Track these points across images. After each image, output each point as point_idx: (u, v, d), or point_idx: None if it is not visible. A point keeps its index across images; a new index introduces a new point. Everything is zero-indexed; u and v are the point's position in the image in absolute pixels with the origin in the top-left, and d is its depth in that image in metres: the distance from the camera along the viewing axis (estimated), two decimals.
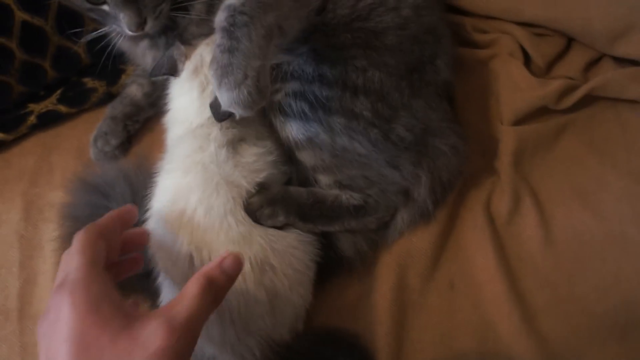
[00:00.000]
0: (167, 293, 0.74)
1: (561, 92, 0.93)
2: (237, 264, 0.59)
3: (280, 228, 0.75)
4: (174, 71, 0.82)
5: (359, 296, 0.81)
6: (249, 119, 0.75)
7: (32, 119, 0.90)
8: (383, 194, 0.79)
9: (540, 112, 0.94)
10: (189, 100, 0.78)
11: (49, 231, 0.85)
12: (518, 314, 0.80)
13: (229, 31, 0.65)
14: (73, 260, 0.57)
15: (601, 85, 0.94)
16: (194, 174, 0.73)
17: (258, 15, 0.65)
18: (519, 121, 0.92)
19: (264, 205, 0.73)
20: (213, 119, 0.75)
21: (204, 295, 0.56)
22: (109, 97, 0.95)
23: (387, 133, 0.76)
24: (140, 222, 0.73)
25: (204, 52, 0.82)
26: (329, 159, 0.77)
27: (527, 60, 1.00)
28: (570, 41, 1.02)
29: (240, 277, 0.61)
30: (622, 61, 0.99)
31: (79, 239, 0.59)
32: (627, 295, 0.83)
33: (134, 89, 0.94)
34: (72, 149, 0.92)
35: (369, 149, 0.76)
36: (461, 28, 1.02)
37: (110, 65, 0.85)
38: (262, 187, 0.75)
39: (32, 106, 0.91)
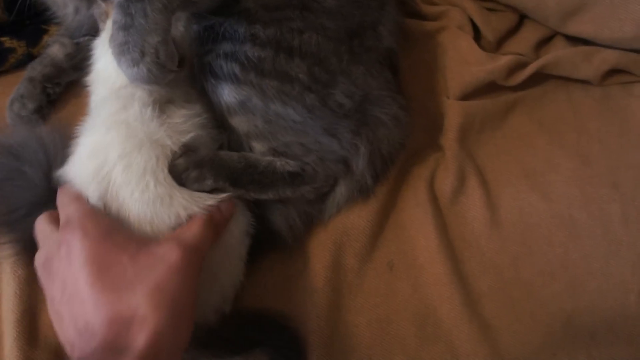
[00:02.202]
0: None
1: (511, 68, 0.90)
2: (232, 207, 0.68)
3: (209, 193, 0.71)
4: (94, 30, 0.77)
5: (290, 276, 0.75)
6: (176, 81, 0.70)
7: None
8: (321, 162, 0.73)
9: (489, 88, 0.90)
10: (112, 60, 0.73)
11: None
12: (460, 297, 0.76)
13: (124, 6, 0.62)
14: (72, 204, 0.63)
15: (552, 62, 0.91)
16: (116, 132, 0.68)
17: None
18: (467, 96, 0.88)
19: (190, 167, 0.67)
20: None
21: (207, 227, 0.64)
22: (29, 59, 0.86)
23: (324, 99, 0.70)
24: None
25: None
26: (262, 125, 0.71)
27: (477, 35, 0.96)
28: (522, 18, 0.99)
29: None
30: (574, 40, 0.96)
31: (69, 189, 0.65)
32: (574, 280, 0.80)
33: (55, 49, 0.86)
34: None
35: (304, 115, 0.70)
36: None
37: (30, 23, 0.79)
38: (188, 149, 0.68)
39: None
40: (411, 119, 0.79)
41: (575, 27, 0.94)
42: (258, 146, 0.74)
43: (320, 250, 0.77)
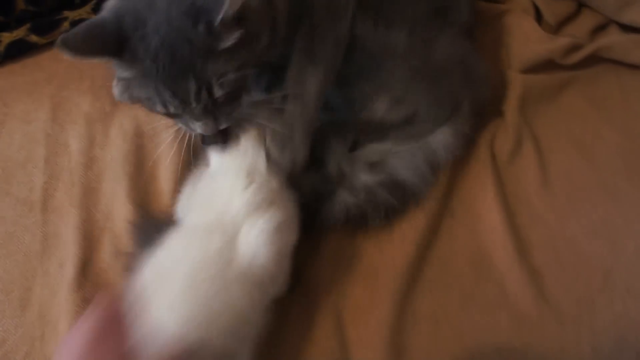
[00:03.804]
0: None
1: (568, 49, 1.00)
2: None
3: None
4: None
5: None
6: None
7: (67, 24, 0.93)
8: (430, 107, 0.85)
9: (547, 66, 1.00)
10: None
11: (74, 131, 0.89)
12: (512, 245, 0.86)
13: None
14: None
15: (606, 46, 1.01)
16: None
17: None
18: (527, 70, 0.99)
19: None
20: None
21: None
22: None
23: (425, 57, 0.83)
24: None
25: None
26: None
27: (539, 18, 1.05)
28: (580, 6, 1.08)
29: None
30: (628, 29, 1.06)
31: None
32: (614, 239, 0.89)
33: None
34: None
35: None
36: None
37: None
38: None
39: (67, 13, 0.94)
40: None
41: (630, 16, 1.03)
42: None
43: None
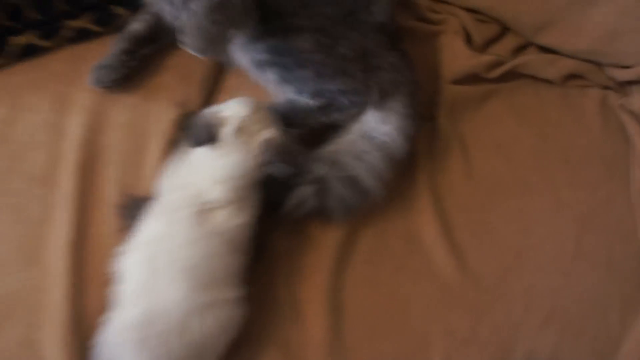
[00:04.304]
0: None
1: (491, 65, 1.17)
2: None
3: None
4: (212, 139, 0.88)
5: None
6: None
7: (68, 32, 1.07)
8: (343, 95, 1.00)
9: (473, 79, 1.16)
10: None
11: (74, 121, 1.02)
12: (438, 225, 1.02)
13: None
14: None
15: (524, 63, 1.19)
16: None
17: None
18: (456, 82, 1.14)
19: None
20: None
21: None
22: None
23: (330, 54, 0.98)
24: None
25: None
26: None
27: (468, 39, 1.21)
28: (504, 29, 1.25)
29: None
30: (544, 49, 1.23)
31: None
32: (526, 225, 1.06)
33: (137, 26, 1.08)
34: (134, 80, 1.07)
35: (317, 68, 0.98)
36: (418, 7, 1.23)
37: None
38: None
39: (69, 22, 1.08)
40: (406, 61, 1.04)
41: (544, 39, 1.21)
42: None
43: None
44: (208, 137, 0.87)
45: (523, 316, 0.99)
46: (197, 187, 0.86)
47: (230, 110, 0.89)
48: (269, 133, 0.89)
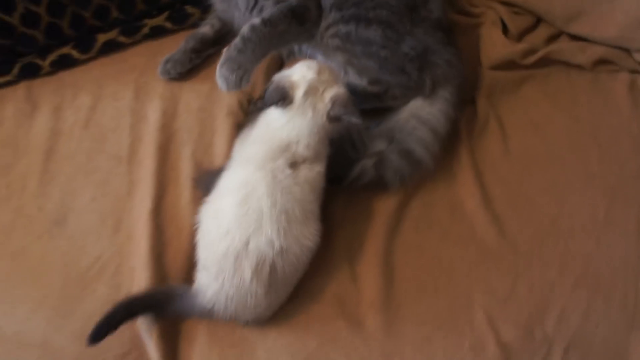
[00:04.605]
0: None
1: (526, 52, 1.27)
2: None
3: None
4: (285, 100, 0.97)
5: None
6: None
7: (146, 30, 1.22)
8: (399, 88, 1.12)
9: (510, 65, 1.26)
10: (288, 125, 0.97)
11: (152, 107, 1.16)
12: (480, 196, 1.11)
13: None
14: None
15: (556, 50, 1.27)
16: (263, 174, 0.94)
17: None
18: (494, 68, 1.24)
19: None
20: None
21: None
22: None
23: (395, 50, 1.09)
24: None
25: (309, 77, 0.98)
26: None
27: (505, 30, 1.31)
28: (538, 20, 1.34)
29: None
30: (575, 38, 1.31)
31: None
32: (559, 195, 1.14)
33: (206, 29, 1.22)
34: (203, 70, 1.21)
35: (381, 63, 1.10)
36: (459, 1, 1.34)
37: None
38: None
39: (147, 21, 1.22)
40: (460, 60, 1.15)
41: (575, 28, 1.30)
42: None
43: None
44: (281, 98, 0.96)
45: (557, 278, 1.07)
46: (280, 142, 0.96)
47: (299, 74, 0.99)
48: (335, 90, 0.98)
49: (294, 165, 0.95)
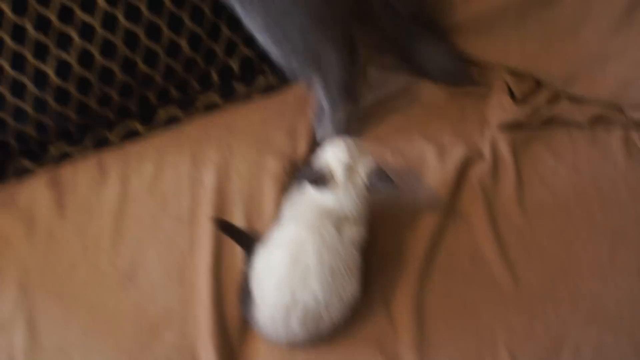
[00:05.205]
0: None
1: (531, 114, 1.40)
2: None
3: None
4: (326, 183, 1.09)
5: None
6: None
7: (200, 105, 1.37)
8: None
9: (518, 126, 1.40)
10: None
11: (208, 172, 1.30)
12: (496, 244, 1.22)
13: None
14: None
15: (557, 111, 1.41)
16: (311, 233, 1.05)
17: None
18: (503, 129, 1.38)
19: None
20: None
21: None
22: None
23: None
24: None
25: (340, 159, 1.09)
26: None
27: (511, 94, 1.45)
28: (539, 83, 1.48)
29: None
30: (573, 98, 1.45)
31: None
32: (568, 243, 1.24)
33: None
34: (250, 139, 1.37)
35: None
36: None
37: None
38: None
39: (200, 97, 1.37)
40: None
41: (573, 90, 1.43)
42: None
43: None
44: (323, 183, 1.08)
45: (569, 316, 1.15)
46: (327, 209, 1.08)
47: (333, 157, 1.10)
48: (367, 163, 1.10)
49: (339, 227, 1.07)
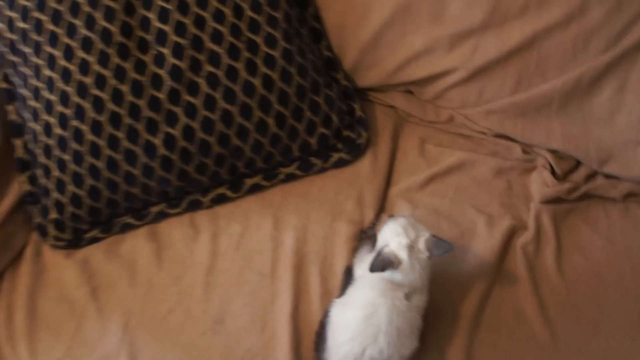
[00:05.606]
0: None
1: (570, 190, 1.55)
2: None
3: None
4: (394, 266, 1.20)
5: None
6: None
7: (282, 176, 1.55)
8: None
9: (558, 200, 1.55)
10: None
11: (288, 234, 1.46)
12: (537, 304, 1.37)
13: None
14: None
15: (593, 187, 1.56)
16: (384, 300, 1.18)
17: None
18: (545, 202, 1.53)
19: None
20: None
21: None
22: None
23: None
24: None
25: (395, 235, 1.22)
26: None
27: (552, 171, 1.60)
28: (578, 162, 1.62)
29: None
30: (608, 176, 1.60)
31: None
32: (602, 304, 1.39)
33: None
34: (324, 206, 1.54)
35: None
36: (513, 152, 1.65)
37: None
38: None
39: (282, 169, 1.55)
40: None
41: (608, 169, 1.57)
42: None
43: None
44: (391, 267, 1.19)
45: None
46: (399, 281, 1.20)
47: (394, 241, 1.21)
48: (424, 235, 1.22)
49: (408, 296, 1.20)
